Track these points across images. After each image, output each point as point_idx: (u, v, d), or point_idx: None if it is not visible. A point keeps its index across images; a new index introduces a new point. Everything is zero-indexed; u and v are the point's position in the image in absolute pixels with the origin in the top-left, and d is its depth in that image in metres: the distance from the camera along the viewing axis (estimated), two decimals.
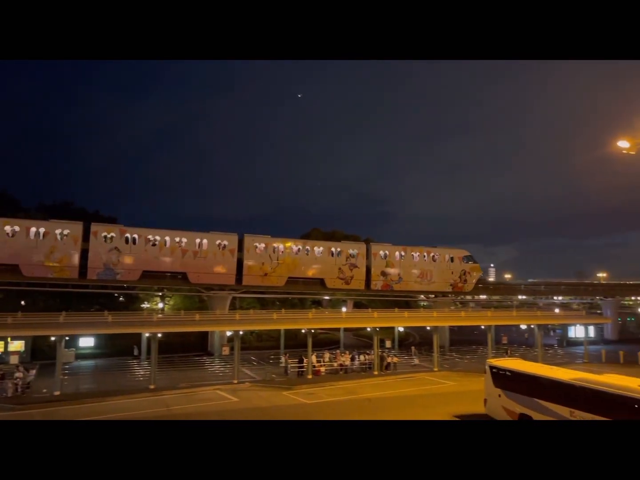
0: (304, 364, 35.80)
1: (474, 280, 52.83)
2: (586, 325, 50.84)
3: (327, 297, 57.23)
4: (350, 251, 47.94)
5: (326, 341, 53.75)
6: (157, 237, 41.84)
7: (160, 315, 38.89)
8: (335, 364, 37.73)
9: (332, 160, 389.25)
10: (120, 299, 53.19)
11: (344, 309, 51.10)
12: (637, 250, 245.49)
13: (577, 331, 55.09)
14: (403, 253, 49.84)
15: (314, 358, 36.34)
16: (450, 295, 54.74)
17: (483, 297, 71.08)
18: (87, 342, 42.42)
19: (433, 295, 54.65)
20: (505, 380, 22.05)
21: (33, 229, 38.25)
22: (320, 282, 47.56)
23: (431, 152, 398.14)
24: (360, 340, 55.73)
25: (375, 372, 36.50)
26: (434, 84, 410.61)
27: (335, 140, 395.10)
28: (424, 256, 50.61)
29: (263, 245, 45.06)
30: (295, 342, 46.50)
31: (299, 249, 46.46)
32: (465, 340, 56.60)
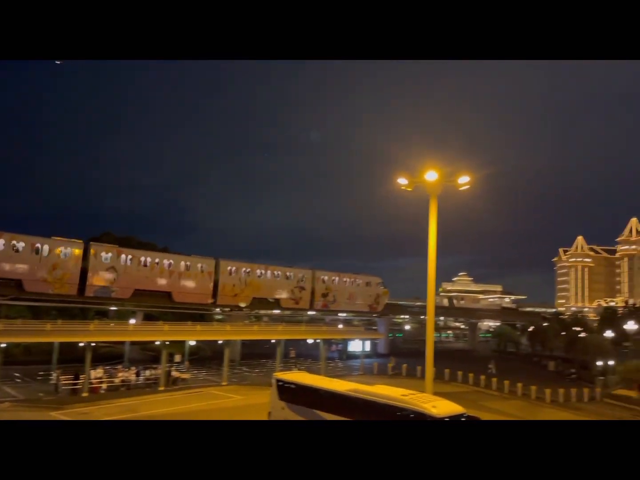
0: (80, 381, 32.35)
1: (384, 302, 62.01)
2: (363, 340, 56.15)
3: (113, 308, 53.19)
4: (300, 275, 53.83)
5: (109, 355, 49.49)
6: (149, 259, 44.14)
7: None
8: (116, 380, 34.91)
9: (135, 162, 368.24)
10: None
11: (132, 321, 47.88)
12: (407, 274, 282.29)
13: (355, 345, 60.36)
14: (337, 278, 57.03)
15: (93, 374, 33.12)
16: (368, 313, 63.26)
17: (277, 311, 73.53)
18: None
19: (229, 309, 55.02)
20: (289, 392, 22.85)
21: (38, 246, 38.37)
22: (277, 301, 52.90)
23: (240, 167, 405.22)
24: (148, 354, 52.75)
25: (161, 388, 34.83)
26: (248, 99, 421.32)
27: (141, 141, 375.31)
28: (352, 281, 58.53)
29: (234, 268, 49.15)
30: (73, 357, 41.83)
31: (262, 272, 51.36)
32: (256, 354, 57.61)
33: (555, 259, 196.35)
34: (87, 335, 33.42)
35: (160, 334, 37.39)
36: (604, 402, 38.60)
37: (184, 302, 46.98)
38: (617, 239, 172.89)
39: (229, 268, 49.03)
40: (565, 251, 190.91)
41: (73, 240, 41.01)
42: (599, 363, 49.39)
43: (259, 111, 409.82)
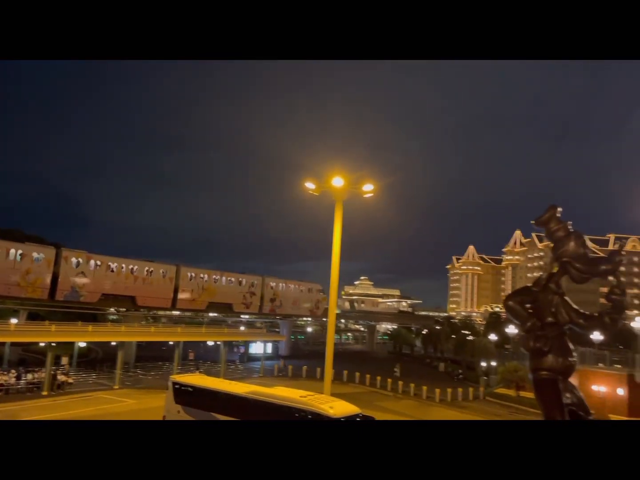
0: None
1: (323, 307, 64.02)
2: (265, 342, 55.96)
3: None
4: (252, 281, 56.59)
5: None
6: (115, 264, 45.18)
7: None
8: None
9: (27, 151, 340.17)
10: None
11: (14, 321, 44.03)
12: (309, 277, 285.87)
13: (257, 347, 60.01)
14: (284, 285, 60.54)
15: None
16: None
17: (176, 312, 71.32)
18: None
19: (125, 309, 52.69)
20: (186, 395, 22.23)
21: (12, 251, 38.78)
22: (229, 306, 55.05)
23: (143, 164, 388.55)
24: (31, 356, 48.79)
25: (45, 393, 32.36)
26: (157, 95, 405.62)
27: (37, 131, 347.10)
28: (296, 288, 62.35)
29: (193, 274, 51.01)
30: None
31: (217, 278, 53.12)
32: (152, 356, 55.36)
33: (449, 266, 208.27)
34: None
35: (46, 335, 34.78)
36: (487, 401, 41.67)
37: (146, 306, 49.15)
38: (503, 249, 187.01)
39: (188, 274, 50.76)
40: (458, 259, 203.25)
41: (44, 245, 43.04)
42: (483, 364, 53.18)
43: (167, 108, 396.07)
